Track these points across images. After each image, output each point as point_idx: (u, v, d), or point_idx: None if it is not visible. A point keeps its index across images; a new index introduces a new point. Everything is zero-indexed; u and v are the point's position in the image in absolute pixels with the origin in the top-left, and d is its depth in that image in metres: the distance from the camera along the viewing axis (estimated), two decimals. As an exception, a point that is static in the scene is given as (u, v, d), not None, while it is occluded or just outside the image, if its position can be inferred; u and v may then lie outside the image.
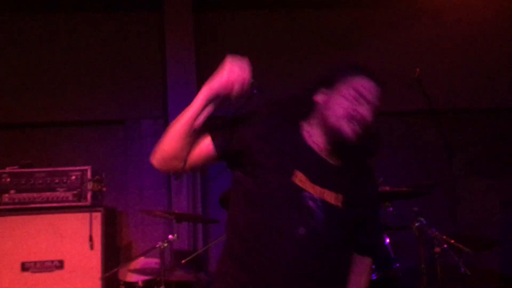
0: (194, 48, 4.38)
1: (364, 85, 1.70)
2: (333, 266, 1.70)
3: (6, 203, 3.71)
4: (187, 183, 4.20)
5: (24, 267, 3.62)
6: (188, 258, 3.07)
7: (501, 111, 4.50)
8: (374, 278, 2.72)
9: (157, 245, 3.04)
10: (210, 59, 4.40)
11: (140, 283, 3.38)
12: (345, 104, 1.68)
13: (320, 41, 4.48)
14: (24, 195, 3.72)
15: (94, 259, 3.65)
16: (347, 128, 1.66)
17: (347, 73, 1.72)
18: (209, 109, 1.65)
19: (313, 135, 1.74)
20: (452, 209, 4.14)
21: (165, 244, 3.06)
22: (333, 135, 1.69)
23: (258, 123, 1.74)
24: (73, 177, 3.75)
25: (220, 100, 1.65)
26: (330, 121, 1.69)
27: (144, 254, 3.30)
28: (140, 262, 3.48)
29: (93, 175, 3.79)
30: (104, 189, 3.86)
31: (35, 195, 3.72)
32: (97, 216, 3.71)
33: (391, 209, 3.00)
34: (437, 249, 3.02)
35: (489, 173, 4.34)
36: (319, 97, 1.75)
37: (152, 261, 3.40)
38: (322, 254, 1.66)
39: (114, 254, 4.16)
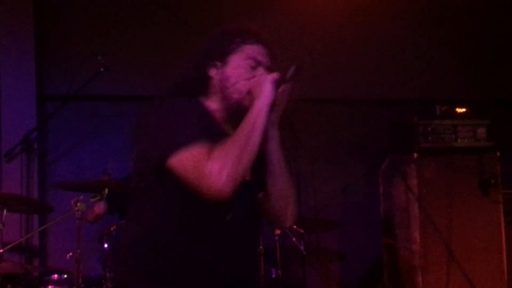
0: (33, 17, 3.97)
1: (259, 51, 1.64)
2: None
3: None
4: (21, 166, 3.80)
5: None
6: (7, 247, 2.75)
7: (347, 102, 4.77)
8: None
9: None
10: (53, 28, 4.18)
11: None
12: (245, 75, 1.60)
13: (175, 21, 4.34)
14: None
15: None
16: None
17: (237, 42, 1.64)
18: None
19: (216, 111, 1.63)
20: (297, 194, 4.29)
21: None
22: (238, 110, 1.58)
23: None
24: None
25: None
26: (233, 97, 1.60)
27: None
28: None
29: None
30: None
31: None
32: None
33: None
34: (277, 232, 3.13)
35: (331, 160, 4.59)
36: (213, 72, 1.64)
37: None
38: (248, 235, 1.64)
39: None
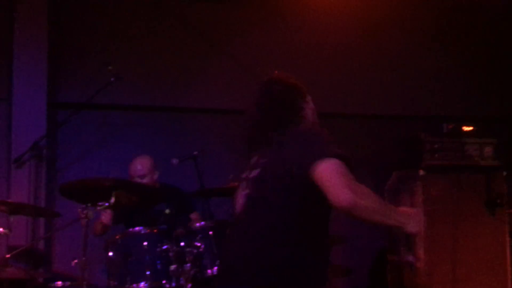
0: (47, 25, 4.04)
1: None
2: None
3: None
4: (29, 172, 3.84)
5: None
6: (14, 252, 2.77)
7: (355, 117, 4.78)
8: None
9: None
10: (66, 37, 4.24)
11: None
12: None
13: (185, 31, 4.40)
14: None
15: None
16: None
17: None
18: None
19: None
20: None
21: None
22: None
23: None
24: None
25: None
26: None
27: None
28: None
29: None
30: None
31: None
32: None
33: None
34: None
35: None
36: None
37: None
38: None
39: None
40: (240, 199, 1.94)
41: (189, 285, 2.87)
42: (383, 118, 4.85)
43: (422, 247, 3.65)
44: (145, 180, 3.60)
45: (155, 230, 3.08)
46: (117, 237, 3.07)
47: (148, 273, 2.97)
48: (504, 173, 3.89)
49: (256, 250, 1.78)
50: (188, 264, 2.92)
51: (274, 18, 4.55)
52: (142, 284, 2.94)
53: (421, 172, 3.76)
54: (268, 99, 1.97)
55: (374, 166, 4.54)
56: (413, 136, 3.96)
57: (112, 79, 3.75)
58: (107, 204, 2.83)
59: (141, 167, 3.63)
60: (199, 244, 2.98)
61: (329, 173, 1.71)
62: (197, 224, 3.17)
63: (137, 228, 3.10)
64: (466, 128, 3.97)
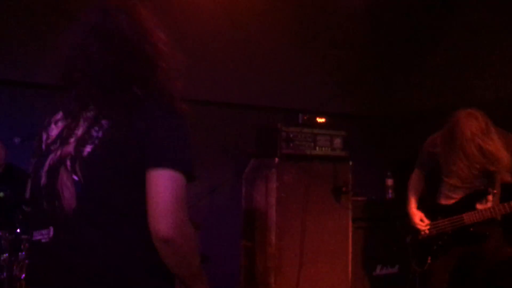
0: None
1: None
2: None
3: None
4: None
5: None
6: None
7: (218, 105, 4.80)
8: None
9: None
10: None
11: None
12: None
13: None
14: None
15: None
16: None
17: None
18: None
19: None
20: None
21: None
22: None
23: None
24: None
25: None
26: None
27: None
28: None
29: None
30: None
31: None
32: None
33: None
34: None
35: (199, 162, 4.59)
36: None
37: None
38: None
39: None
40: (64, 187, 1.40)
41: (23, 275, 2.63)
42: (245, 108, 4.94)
43: (274, 232, 3.81)
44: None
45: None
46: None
47: (-30, 263, 2.66)
48: (350, 163, 4.19)
49: (102, 268, 1.36)
50: (23, 253, 2.67)
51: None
52: (-34, 276, 2.63)
53: (276, 160, 3.90)
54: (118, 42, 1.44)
55: (234, 154, 4.62)
56: (271, 126, 4.09)
57: None
58: None
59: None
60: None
61: (166, 190, 1.34)
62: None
63: (-35, 214, 2.77)
64: (319, 120, 4.20)
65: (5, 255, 2.63)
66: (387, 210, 4.40)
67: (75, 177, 1.38)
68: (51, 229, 1.41)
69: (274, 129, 3.99)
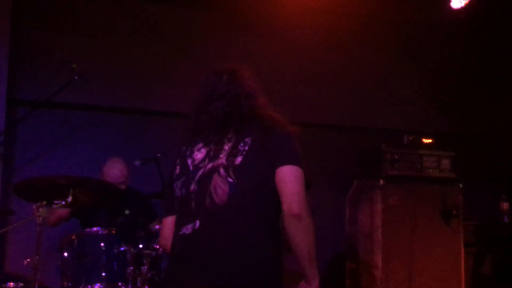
0: (9, 22, 3.94)
1: None
2: None
3: None
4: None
5: None
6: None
7: (319, 127, 4.82)
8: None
9: None
10: (28, 34, 4.14)
11: None
12: None
13: (150, 34, 4.38)
14: None
15: None
16: None
17: None
18: None
19: None
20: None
21: None
22: None
23: None
24: None
25: None
26: None
27: None
28: None
29: None
30: None
31: None
32: None
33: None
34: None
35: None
36: None
37: None
38: None
39: None
40: (217, 187, 1.85)
41: (146, 287, 2.83)
42: (347, 129, 4.93)
43: (380, 255, 3.74)
44: (123, 186, 3.52)
45: (113, 231, 3.03)
46: (73, 237, 3.00)
47: (103, 274, 2.91)
48: (460, 185, 4.01)
49: (245, 246, 1.77)
50: (145, 267, 2.88)
51: (240, 24, 4.58)
52: (97, 285, 2.88)
53: (381, 182, 3.84)
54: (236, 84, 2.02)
55: (336, 176, 4.61)
56: (374, 147, 4.04)
57: (75, 77, 3.67)
58: (63, 202, 2.75)
59: (120, 174, 3.53)
60: (157, 247, 2.94)
61: (293, 179, 1.80)
62: (157, 227, 3.13)
63: (94, 229, 3.04)
64: (425, 141, 4.08)
65: (130, 268, 2.86)
66: (501, 234, 4.13)
67: (230, 179, 1.83)
68: (197, 222, 1.82)
69: (378, 150, 3.95)
